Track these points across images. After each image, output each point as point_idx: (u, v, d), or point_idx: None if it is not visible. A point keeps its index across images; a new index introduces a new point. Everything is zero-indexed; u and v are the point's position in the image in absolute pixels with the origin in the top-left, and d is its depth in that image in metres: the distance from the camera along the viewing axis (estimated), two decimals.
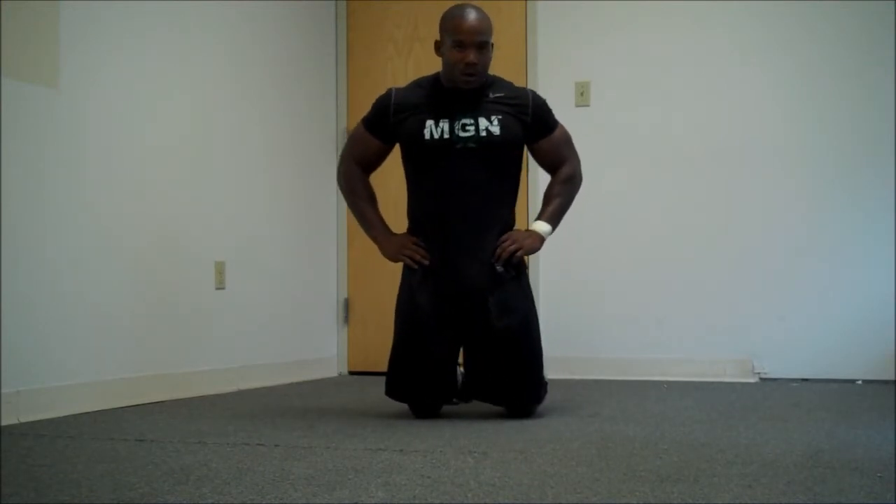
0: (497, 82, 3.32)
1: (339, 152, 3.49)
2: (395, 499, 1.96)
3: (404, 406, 3.38)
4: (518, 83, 4.99)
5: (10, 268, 3.26)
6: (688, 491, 2.01)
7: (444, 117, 3.20)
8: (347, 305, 5.22)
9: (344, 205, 5.22)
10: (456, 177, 3.20)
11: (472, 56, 3.14)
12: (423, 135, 3.20)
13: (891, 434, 2.81)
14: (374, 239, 3.38)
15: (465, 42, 3.14)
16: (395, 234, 3.35)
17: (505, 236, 3.24)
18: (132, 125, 3.84)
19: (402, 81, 5.21)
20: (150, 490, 2.07)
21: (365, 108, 5.23)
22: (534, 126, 3.30)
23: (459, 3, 3.31)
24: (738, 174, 4.77)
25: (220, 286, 4.32)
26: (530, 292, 3.34)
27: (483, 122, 3.19)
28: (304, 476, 2.20)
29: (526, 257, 3.36)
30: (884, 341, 4.48)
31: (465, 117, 3.20)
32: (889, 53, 4.56)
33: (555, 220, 3.34)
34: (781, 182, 4.71)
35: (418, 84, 3.35)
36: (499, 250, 3.21)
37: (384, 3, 5.28)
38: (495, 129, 3.19)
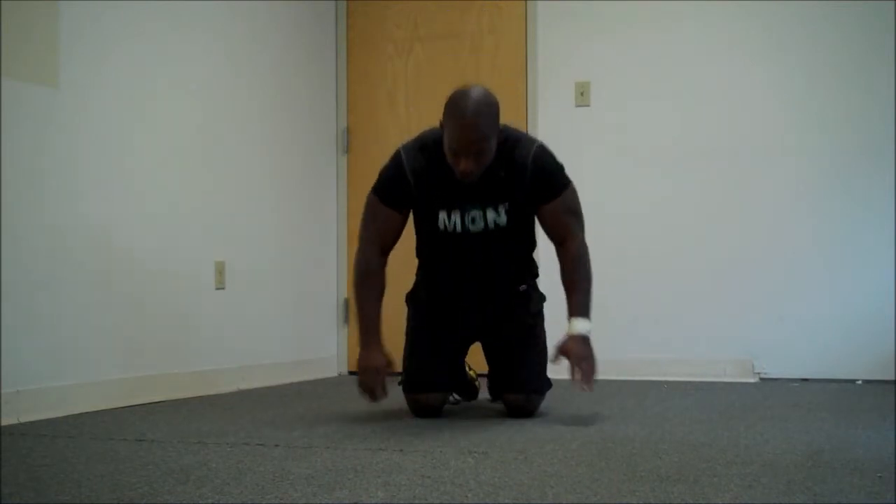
0: (505, 145, 3.05)
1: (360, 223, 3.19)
2: (395, 499, 1.96)
3: (404, 406, 3.38)
4: (518, 83, 5.05)
5: (10, 268, 3.25)
6: (688, 491, 2.01)
7: (454, 209, 3.12)
8: (347, 305, 5.22)
9: (344, 205, 5.27)
10: (470, 252, 3.19)
11: (466, 166, 2.95)
12: (437, 226, 3.17)
13: (891, 434, 2.80)
14: (361, 343, 3.13)
15: (460, 151, 2.95)
16: (379, 353, 3.11)
17: (574, 363, 3.03)
18: (132, 125, 3.83)
19: (402, 81, 5.26)
20: (150, 490, 2.07)
21: (365, 108, 5.31)
22: (534, 193, 3.12)
23: (464, 90, 2.98)
24: (737, 174, 4.77)
25: (220, 286, 4.32)
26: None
27: (490, 215, 3.11)
28: (304, 476, 2.20)
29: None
30: (884, 341, 4.48)
31: (474, 208, 3.11)
32: (889, 54, 4.56)
33: (588, 311, 3.14)
34: (781, 182, 4.71)
35: (423, 148, 3.11)
36: (580, 380, 3.04)
37: (384, 3, 5.28)
38: (502, 220, 3.13)
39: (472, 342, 3.42)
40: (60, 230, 3.49)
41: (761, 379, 4.65)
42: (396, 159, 3.15)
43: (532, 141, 3.17)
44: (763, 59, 4.76)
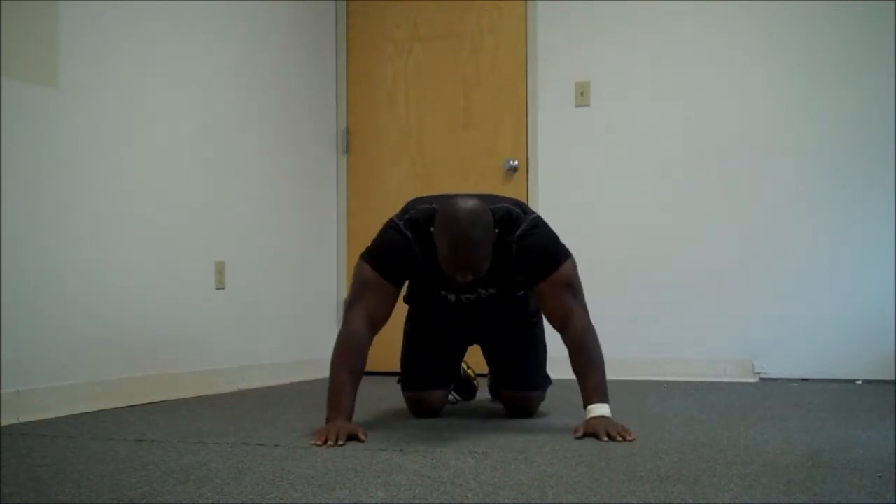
0: (497, 232, 2.88)
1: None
2: (395, 499, 1.96)
3: (404, 406, 3.38)
4: (518, 83, 5.05)
5: (10, 268, 3.25)
6: (688, 491, 2.01)
7: (451, 291, 3.14)
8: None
9: (344, 205, 5.27)
10: (464, 311, 3.22)
11: (462, 280, 2.82)
12: (436, 295, 3.19)
13: (891, 434, 2.80)
14: (328, 417, 2.80)
15: (454, 271, 2.80)
16: (343, 424, 2.74)
17: (603, 436, 2.71)
18: (132, 125, 3.84)
19: (402, 81, 5.25)
20: (150, 490, 2.07)
21: (365, 108, 5.31)
22: (523, 275, 3.00)
23: (455, 206, 2.76)
24: (737, 174, 4.77)
25: (220, 286, 4.32)
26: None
27: (482, 291, 3.14)
28: (304, 476, 2.20)
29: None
30: (884, 341, 4.48)
31: (468, 288, 3.11)
32: (889, 53, 4.56)
33: (606, 396, 2.87)
34: (781, 182, 4.71)
35: (418, 226, 2.95)
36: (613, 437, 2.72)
37: (384, 2, 5.28)
38: (492, 292, 3.14)
39: (470, 343, 3.43)
40: (60, 230, 3.49)
41: (761, 379, 4.65)
42: (397, 233, 2.95)
43: (522, 223, 2.95)
44: (763, 59, 4.76)
